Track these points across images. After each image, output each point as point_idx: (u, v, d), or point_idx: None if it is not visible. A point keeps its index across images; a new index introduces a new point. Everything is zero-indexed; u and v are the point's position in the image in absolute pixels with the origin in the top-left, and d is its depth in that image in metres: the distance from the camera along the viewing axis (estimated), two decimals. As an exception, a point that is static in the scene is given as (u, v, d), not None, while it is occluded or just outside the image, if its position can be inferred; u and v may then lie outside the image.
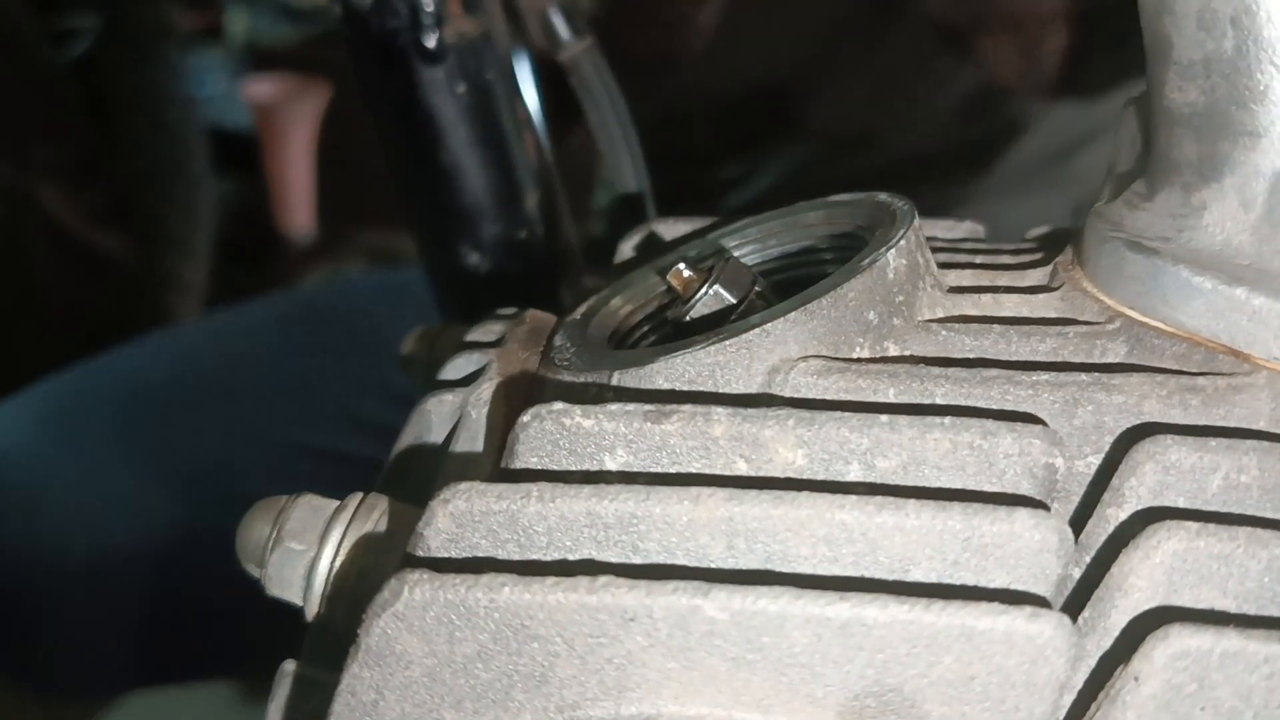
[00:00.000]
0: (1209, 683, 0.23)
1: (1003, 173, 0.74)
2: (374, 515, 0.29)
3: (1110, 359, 0.28)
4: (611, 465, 0.27)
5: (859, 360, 0.28)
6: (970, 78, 0.73)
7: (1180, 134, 0.29)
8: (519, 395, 0.30)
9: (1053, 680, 0.23)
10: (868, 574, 0.24)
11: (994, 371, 0.27)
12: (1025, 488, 0.25)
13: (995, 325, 0.29)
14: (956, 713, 0.23)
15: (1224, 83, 0.28)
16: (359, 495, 0.29)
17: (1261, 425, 0.27)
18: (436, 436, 0.32)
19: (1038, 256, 0.33)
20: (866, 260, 0.29)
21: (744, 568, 0.24)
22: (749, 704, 0.24)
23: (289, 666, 0.29)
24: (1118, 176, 0.32)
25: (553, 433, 0.27)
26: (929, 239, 0.33)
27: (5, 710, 0.74)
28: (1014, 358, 0.28)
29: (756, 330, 0.28)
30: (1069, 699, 0.24)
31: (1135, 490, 0.25)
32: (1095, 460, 0.27)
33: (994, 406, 0.27)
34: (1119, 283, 0.29)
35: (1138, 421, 0.27)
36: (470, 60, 0.46)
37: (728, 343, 0.28)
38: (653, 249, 0.37)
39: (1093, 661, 0.24)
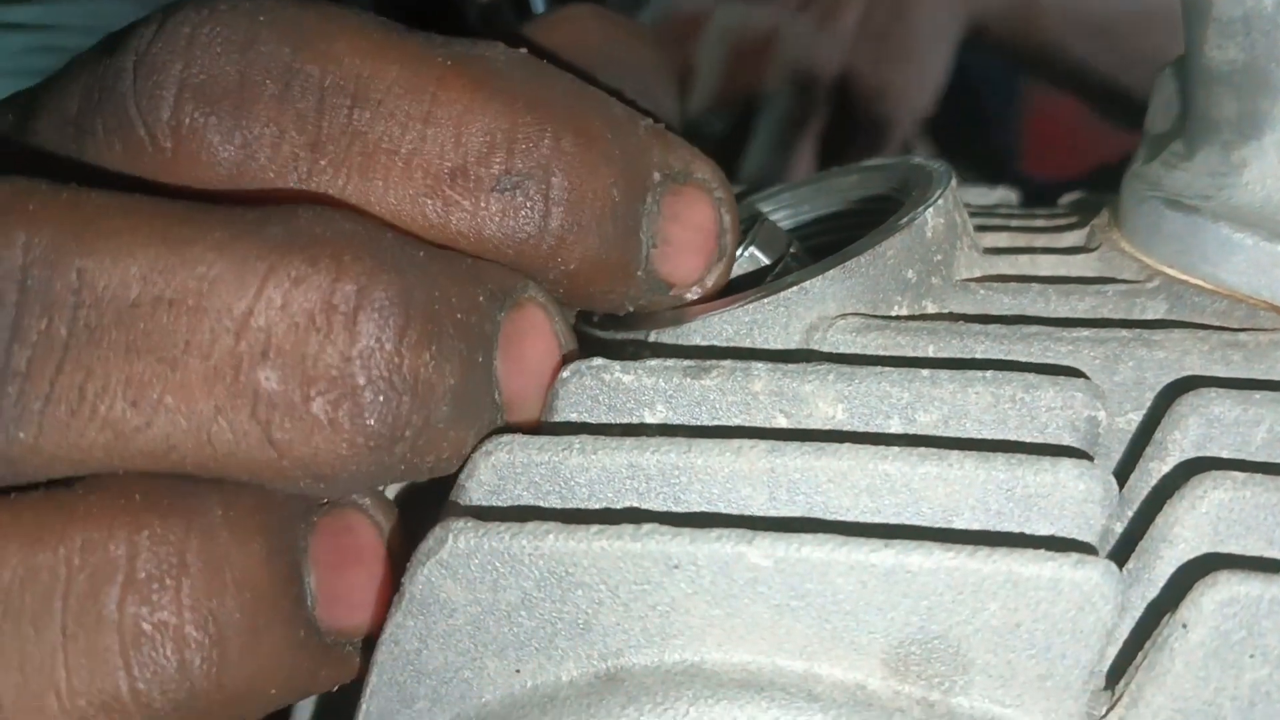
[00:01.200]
0: (1258, 629, 0.23)
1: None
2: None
3: (1150, 316, 0.28)
4: (651, 420, 0.27)
5: (898, 318, 0.28)
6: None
7: (1220, 92, 0.29)
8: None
9: (1099, 627, 0.23)
10: (911, 524, 0.24)
11: (1034, 328, 0.27)
12: (1068, 440, 0.25)
13: (1034, 284, 0.29)
14: (1002, 660, 0.23)
15: (1264, 39, 0.27)
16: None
17: (1305, 380, 0.26)
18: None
19: (1073, 220, 0.32)
20: (905, 219, 0.29)
21: (787, 517, 0.24)
22: (792, 651, 0.23)
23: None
24: (1154, 138, 0.32)
25: (592, 388, 0.27)
26: (964, 205, 0.33)
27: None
28: (1053, 315, 0.28)
29: (795, 288, 0.28)
30: (1114, 650, 0.24)
31: (1179, 443, 0.25)
32: (1136, 417, 0.27)
33: (1034, 362, 0.27)
34: (1158, 241, 0.29)
35: (1179, 376, 0.26)
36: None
37: (765, 300, 0.28)
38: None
39: (1138, 612, 0.24)
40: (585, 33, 0.35)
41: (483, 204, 0.25)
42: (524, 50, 0.27)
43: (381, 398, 0.23)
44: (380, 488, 0.27)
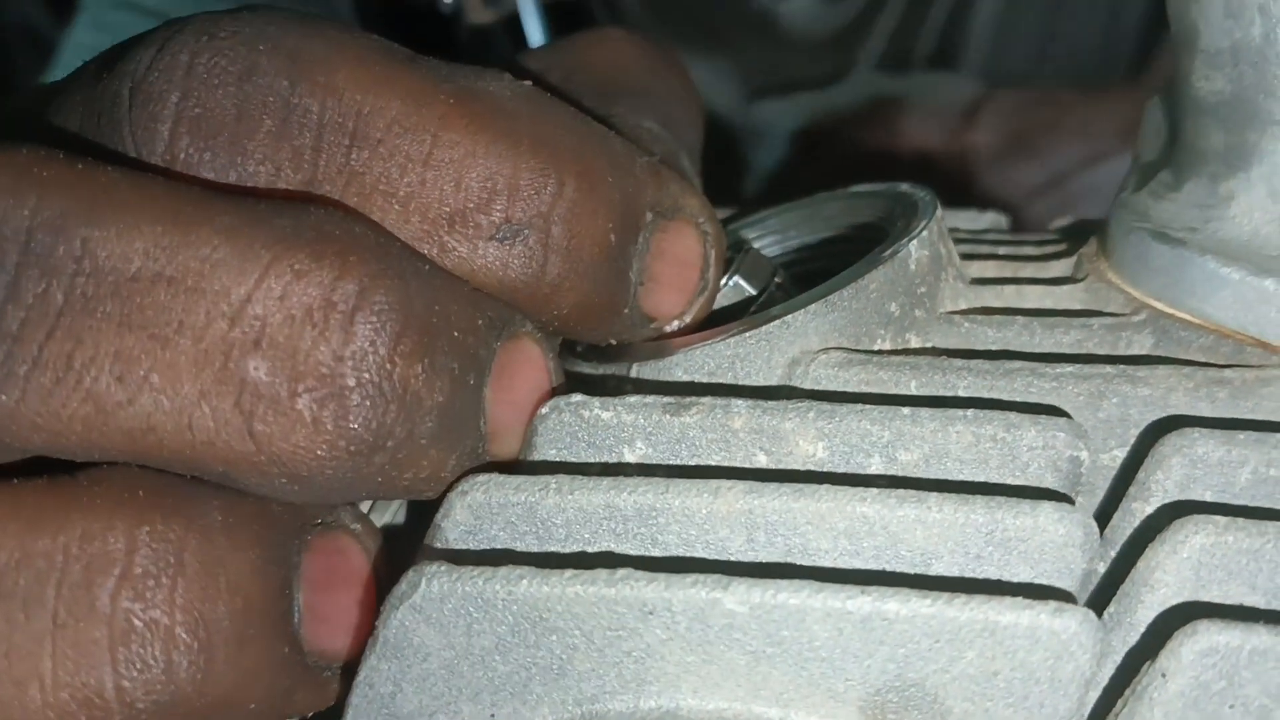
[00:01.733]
0: (1238, 680, 0.22)
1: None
2: (392, 507, 0.29)
3: (1136, 351, 0.28)
4: (630, 457, 0.26)
5: (881, 352, 0.28)
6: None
7: (1207, 123, 0.28)
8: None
9: (1078, 676, 0.22)
10: (889, 568, 0.24)
11: (1017, 364, 0.27)
12: (1049, 481, 0.25)
13: (1019, 317, 0.29)
14: (979, 709, 0.23)
15: (1252, 71, 0.27)
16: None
17: (1291, 418, 0.26)
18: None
19: (1062, 248, 0.32)
20: (888, 251, 0.29)
21: (764, 561, 0.24)
22: (769, 698, 0.23)
23: None
24: (1143, 167, 0.31)
25: (571, 424, 0.26)
26: (951, 230, 0.32)
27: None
28: (1038, 350, 0.28)
29: (777, 322, 0.28)
30: (1094, 696, 0.24)
31: (1162, 484, 0.25)
32: (1120, 454, 0.27)
33: (1018, 399, 0.27)
34: (1145, 274, 0.29)
35: (1164, 414, 0.26)
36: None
37: (748, 335, 0.28)
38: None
39: (1119, 658, 0.24)
40: (617, 54, 0.35)
41: (480, 251, 0.25)
42: (528, 83, 0.27)
43: (368, 403, 0.23)
44: (364, 509, 0.27)
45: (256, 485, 0.23)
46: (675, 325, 0.28)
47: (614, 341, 0.28)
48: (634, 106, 0.32)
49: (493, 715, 0.24)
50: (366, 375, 0.23)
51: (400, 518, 0.29)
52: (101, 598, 0.22)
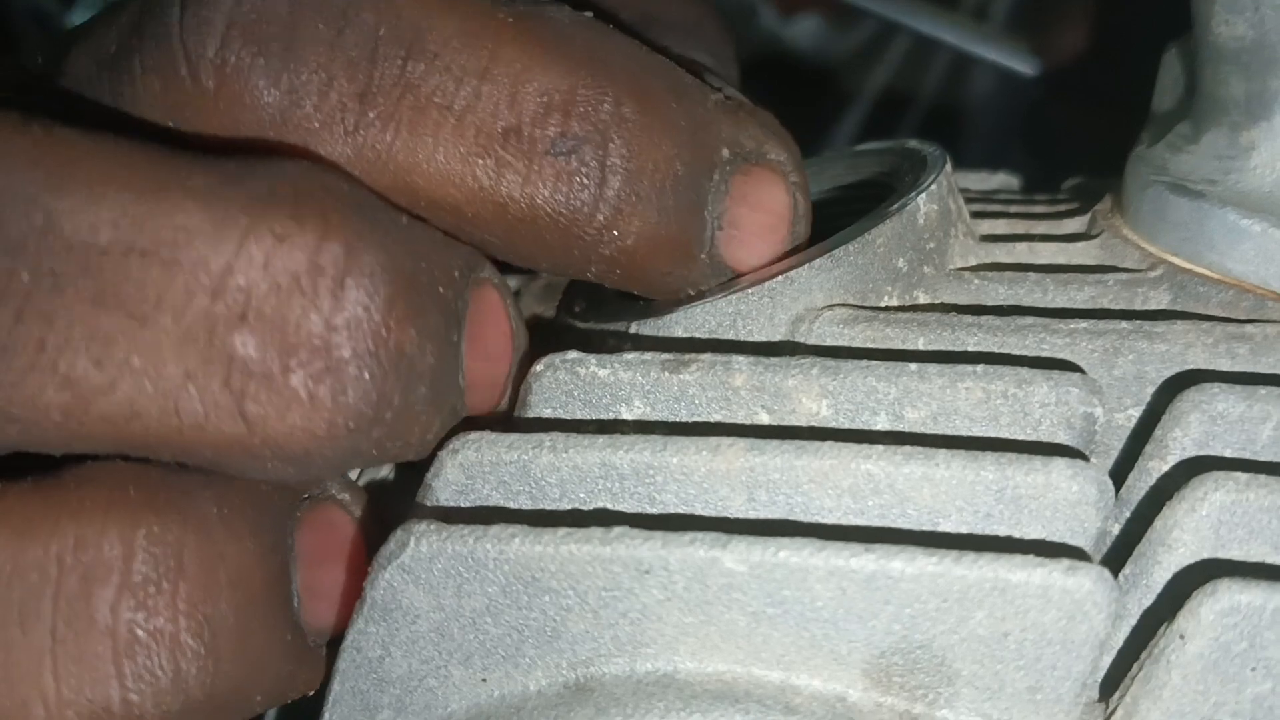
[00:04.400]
0: (1260, 641, 0.21)
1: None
2: (381, 471, 0.28)
3: (1153, 307, 0.27)
4: (628, 416, 0.25)
5: (887, 309, 0.27)
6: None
7: (1227, 71, 0.27)
8: (533, 347, 0.29)
9: (1092, 637, 0.21)
10: (895, 527, 0.23)
11: (1029, 320, 0.26)
12: (1062, 439, 0.24)
13: (1031, 273, 0.28)
14: (989, 671, 0.22)
15: (1274, 14, 0.26)
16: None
17: (1315, 374, 0.25)
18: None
19: (1075, 205, 0.31)
20: (896, 205, 0.28)
21: (765, 520, 0.23)
22: (769, 660, 0.22)
23: None
24: (1159, 119, 0.30)
25: (567, 382, 0.26)
26: (961, 191, 0.31)
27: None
28: (1051, 306, 0.27)
29: (780, 278, 0.27)
30: (1108, 660, 0.23)
31: (1180, 441, 0.24)
32: (1136, 412, 0.26)
33: (1029, 356, 0.26)
34: (1162, 228, 0.28)
35: (1182, 370, 0.25)
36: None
37: (750, 291, 0.27)
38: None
39: (1134, 620, 0.23)
40: (660, 2, 0.34)
41: (536, 167, 0.24)
42: (589, 14, 0.26)
43: (366, 374, 0.22)
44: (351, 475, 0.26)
45: (247, 470, 0.22)
46: None
47: (691, 294, 0.27)
48: (681, 42, 0.31)
49: (485, 679, 0.23)
50: (362, 345, 0.22)
51: (389, 473, 0.28)
52: (101, 609, 0.21)
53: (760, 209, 0.27)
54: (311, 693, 0.25)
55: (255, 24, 0.23)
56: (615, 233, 0.25)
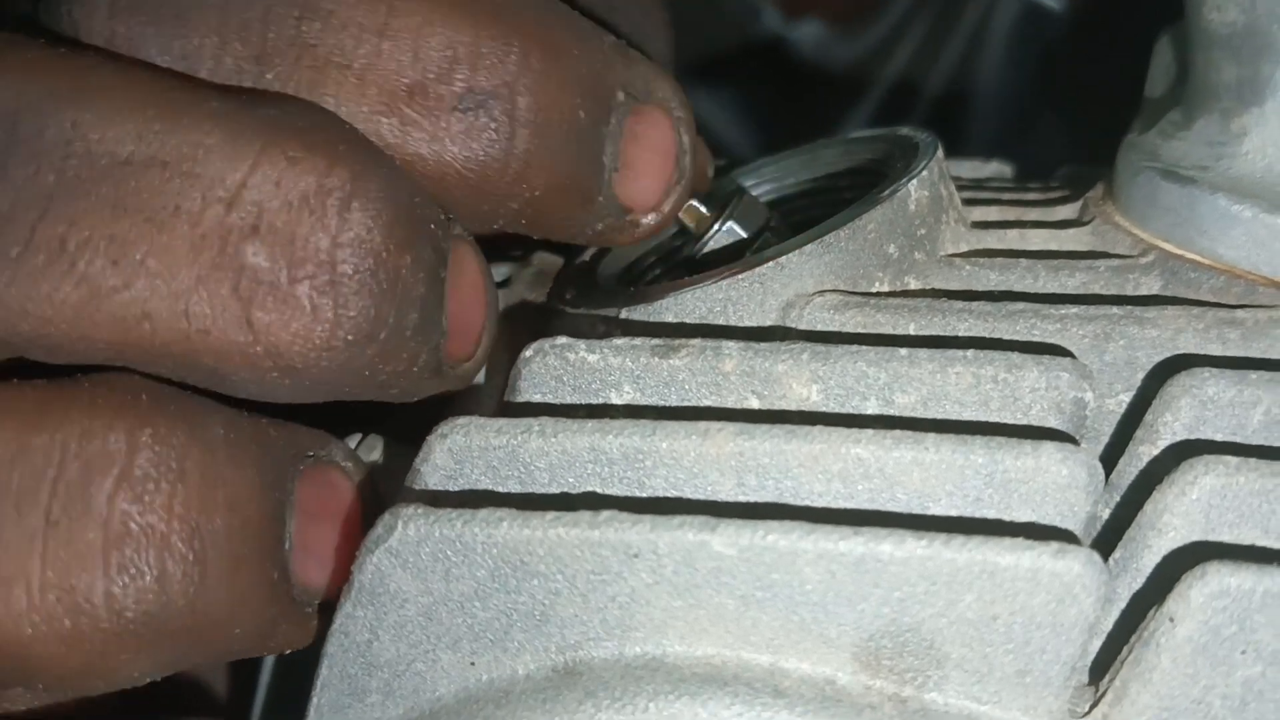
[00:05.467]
0: (1250, 624, 0.21)
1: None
2: (372, 456, 0.28)
3: (1144, 292, 0.27)
4: (617, 401, 0.25)
5: (878, 294, 0.27)
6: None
7: (1219, 56, 0.27)
8: (524, 333, 0.29)
9: (1081, 620, 0.21)
10: (885, 511, 0.23)
11: (1020, 305, 0.26)
12: (1053, 423, 0.24)
13: (1022, 260, 0.28)
14: (978, 654, 0.22)
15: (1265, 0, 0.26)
16: (358, 436, 0.28)
17: (1305, 359, 0.25)
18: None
19: (1067, 193, 0.31)
20: (887, 191, 0.28)
21: (754, 504, 0.23)
22: (758, 644, 0.22)
23: None
24: (1151, 106, 0.30)
25: (556, 368, 0.25)
26: (953, 179, 0.31)
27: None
28: (1042, 291, 0.27)
29: (770, 264, 0.27)
30: (1097, 644, 0.23)
31: (1170, 426, 0.24)
32: (1126, 398, 0.26)
33: (1020, 340, 0.26)
34: (1153, 215, 0.28)
35: (1172, 355, 0.25)
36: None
37: (740, 277, 0.27)
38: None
39: (1123, 604, 0.23)
40: None
41: (444, 124, 0.24)
42: None
43: (365, 290, 0.22)
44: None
45: (245, 382, 0.23)
46: (652, 219, 0.27)
47: (589, 234, 0.27)
48: (603, 12, 0.31)
49: (473, 663, 0.23)
50: (363, 263, 0.22)
51: (379, 456, 0.28)
52: (98, 498, 0.22)
53: (650, 147, 0.27)
54: (290, 651, 0.25)
55: None
56: (524, 185, 0.25)
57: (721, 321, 0.27)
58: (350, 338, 0.22)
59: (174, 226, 0.22)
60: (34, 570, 0.21)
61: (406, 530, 0.23)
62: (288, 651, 0.24)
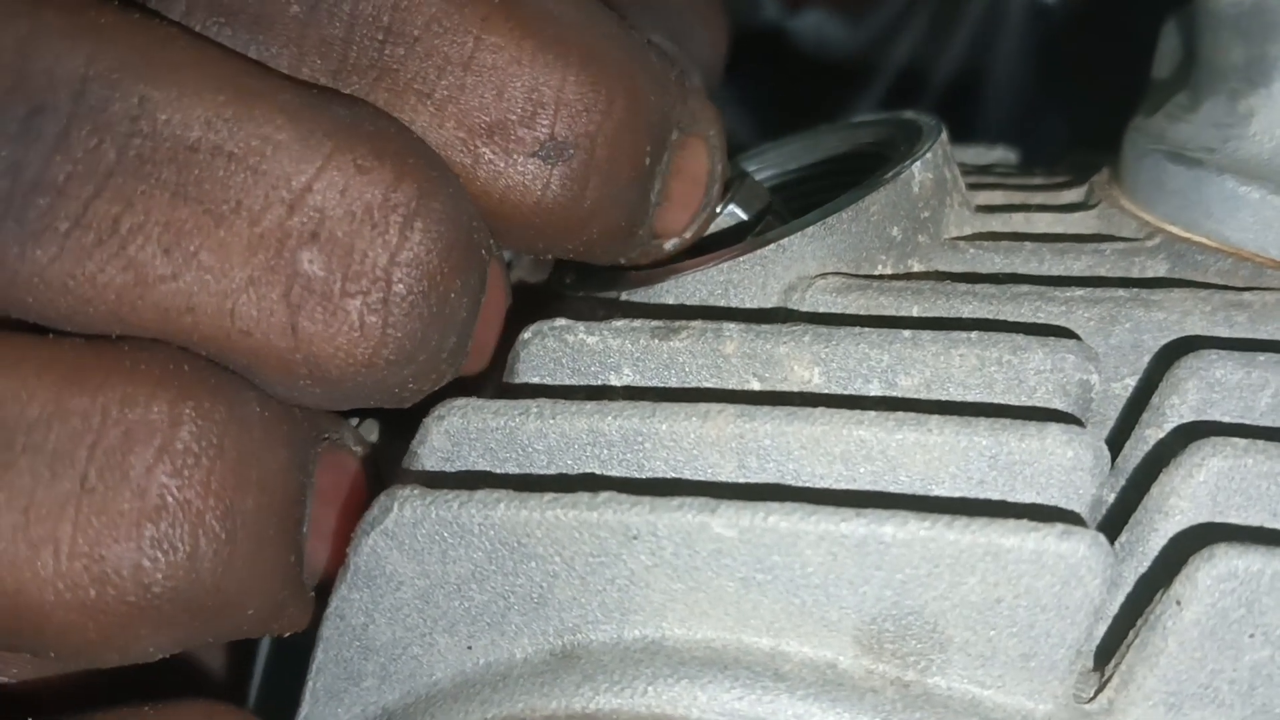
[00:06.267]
0: (1258, 607, 0.21)
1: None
2: (369, 439, 0.27)
3: (1150, 275, 0.27)
4: (617, 383, 0.25)
5: (881, 277, 0.27)
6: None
7: (1226, 37, 0.27)
8: (523, 314, 0.29)
9: (1086, 603, 0.21)
10: (887, 493, 0.23)
11: (1025, 288, 0.26)
12: (1058, 405, 0.24)
13: (1027, 243, 0.27)
14: (981, 638, 0.22)
15: (1275, -21, 0.26)
16: (354, 421, 0.28)
17: (1314, 342, 0.25)
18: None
19: (1072, 177, 0.31)
20: (890, 173, 0.27)
21: (755, 485, 0.23)
22: (759, 627, 0.22)
23: None
24: (1157, 89, 0.30)
25: (555, 350, 0.25)
26: (959, 164, 0.31)
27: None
28: (1047, 274, 0.27)
29: (772, 246, 0.27)
30: (1103, 628, 0.23)
31: (1177, 409, 0.24)
32: (1133, 381, 0.25)
33: (1025, 323, 0.25)
34: (1160, 197, 0.27)
35: (1179, 338, 0.25)
36: None
37: (741, 259, 0.27)
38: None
39: (1129, 587, 0.23)
40: None
41: (519, 167, 0.23)
42: None
43: (415, 313, 0.22)
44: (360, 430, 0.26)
45: (272, 384, 0.22)
46: (675, 244, 0.27)
47: (622, 261, 0.27)
48: (640, 17, 0.30)
49: (470, 647, 0.23)
50: (418, 285, 0.22)
51: (374, 437, 0.28)
52: (137, 467, 0.21)
53: (689, 179, 0.27)
54: (288, 634, 0.24)
55: None
56: (586, 229, 0.25)
57: (723, 304, 0.27)
58: (392, 358, 0.22)
59: (233, 223, 0.21)
60: (64, 535, 0.21)
61: (403, 512, 0.22)
62: (287, 634, 0.24)
